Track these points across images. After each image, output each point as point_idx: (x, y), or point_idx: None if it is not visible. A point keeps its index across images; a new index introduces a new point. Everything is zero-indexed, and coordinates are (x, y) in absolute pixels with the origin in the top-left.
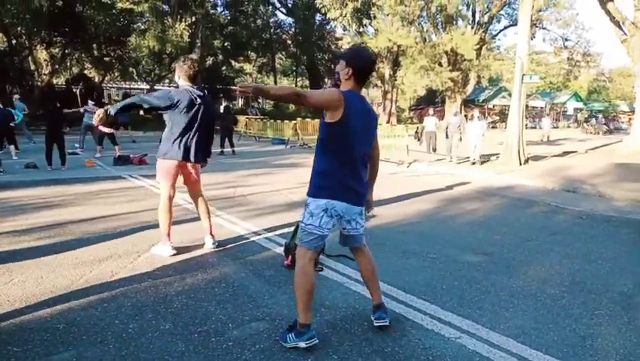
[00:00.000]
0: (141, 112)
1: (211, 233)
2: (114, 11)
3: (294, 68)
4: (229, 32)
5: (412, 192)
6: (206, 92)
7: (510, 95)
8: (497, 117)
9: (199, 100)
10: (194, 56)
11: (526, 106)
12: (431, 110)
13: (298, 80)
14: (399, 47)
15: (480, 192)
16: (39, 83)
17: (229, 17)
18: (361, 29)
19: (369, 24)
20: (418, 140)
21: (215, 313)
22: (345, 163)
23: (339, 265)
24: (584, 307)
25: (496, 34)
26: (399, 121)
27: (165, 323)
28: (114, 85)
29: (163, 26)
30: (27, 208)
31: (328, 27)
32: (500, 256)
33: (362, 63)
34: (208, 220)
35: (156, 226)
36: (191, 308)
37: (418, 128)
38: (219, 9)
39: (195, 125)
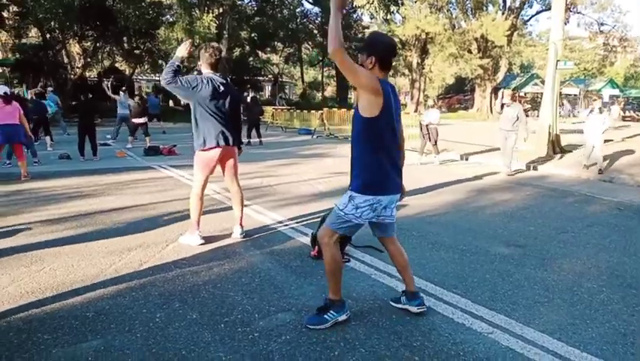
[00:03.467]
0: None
1: (241, 223)
2: (143, 4)
3: (321, 58)
4: (256, 23)
5: (441, 182)
6: (228, 79)
7: (542, 82)
8: (529, 105)
9: (222, 88)
10: (216, 44)
11: (560, 93)
12: (430, 101)
13: (325, 70)
14: (427, 34)
15: (511, 182)
16: (72, 76)
17: (256, 8)
18: (389, 17)
19: (397, 11)
20: (429, 139)
21: (241, 304)
22: (387, 156)
23: (367, 256)
24: (623, 302)
25: (528, 20)
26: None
27: (192, 312)
28: (144, 77)
29: (191, 18)
30: (60, 198)
31: (355, 16)
32: (534, 248)
33: (383, 49)
34: (240, 210)
35: (184, 216)
36: (218, 298)
37: (421, 124)
38: (246, 0)
39: (222, 112)
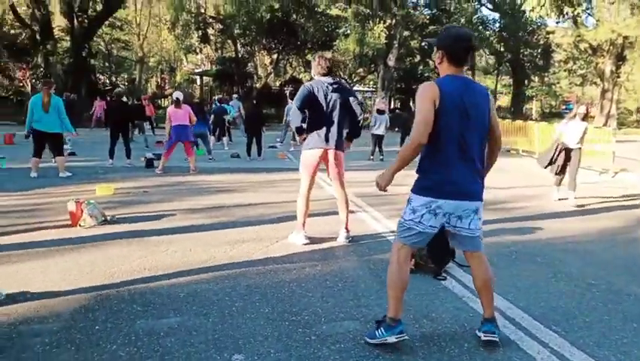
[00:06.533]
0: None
1: (346, 227)
2: (323, 17)
3: (497, 66)
4: (429, 32)
5: (603, 205)
6: (338, 79)
7: None
8: None
9: (330, 88)
10: (328, 53)
11: None
12: (582, 108)
13: (500, 78)
14: (625, 38)
15: None
16: (257, 85)
17: (429, 17)
18: (560, 19)
19: (589, 13)
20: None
21: (314, 305)
22: (448, 156)
23: (467, 276)
24: None
25: None
26: (621, 125)
27: (267, 306)
28: None
29: (363, 30)
30: (210, 191)
31: (538, 22)
32: None
33: (451, 42)
34: (345, 214)
35: (309, 215)
36: (296, 297)
37: (557, 146)
38: (420, 9)
39: (331, 113)
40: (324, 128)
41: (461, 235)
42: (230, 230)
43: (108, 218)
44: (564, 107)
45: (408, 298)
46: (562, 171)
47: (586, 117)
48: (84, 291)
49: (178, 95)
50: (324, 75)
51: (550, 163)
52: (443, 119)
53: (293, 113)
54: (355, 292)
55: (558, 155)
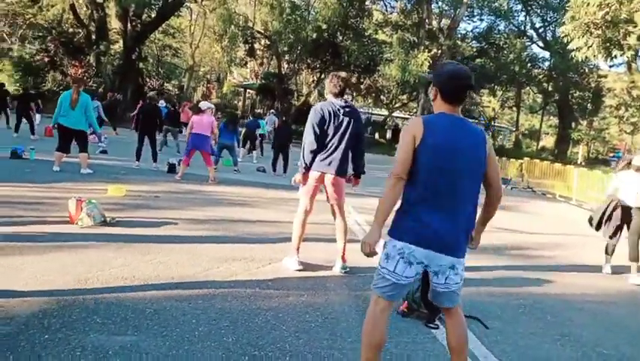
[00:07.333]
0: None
1: (343, 257)
2: (367, 41)
3: (544, 105)
4: (476, 65)
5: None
6: (351, 102)
7: None
8: None
9: (341, 111)
10: (343, 73)
11: None
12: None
13: (545, 118)
14: None
15: None
16: (296, 103)
17: (477, 49)
18: (608, 62)
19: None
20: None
21: (284, 340)
22: (428, 199)
23: None
24: None
25: None
26: None
27: (232, 335)
28: (361, 111)
29: (406, 57)
30: (222, 202)
31: (591, 65)
32: None
33: (445, 79)
34: (343, 243)
35: (311, 239)
36: (268, 328)
37: (611, 202)
38: (468, 41)
39: (338, 137)
40: (327, 152)
41: (436, 291)
42: (226, 246)
43: (108, 220)
44: (612, 154)
45: (390, 345)
46: (615, 234)
47: None
48: (51, 294)
49: (203, 104)
50: (337, 95)
51: (602, 223)
52: (425, 156)
53: (309, 145)
54: (333, 331)
55: (612, 213)
